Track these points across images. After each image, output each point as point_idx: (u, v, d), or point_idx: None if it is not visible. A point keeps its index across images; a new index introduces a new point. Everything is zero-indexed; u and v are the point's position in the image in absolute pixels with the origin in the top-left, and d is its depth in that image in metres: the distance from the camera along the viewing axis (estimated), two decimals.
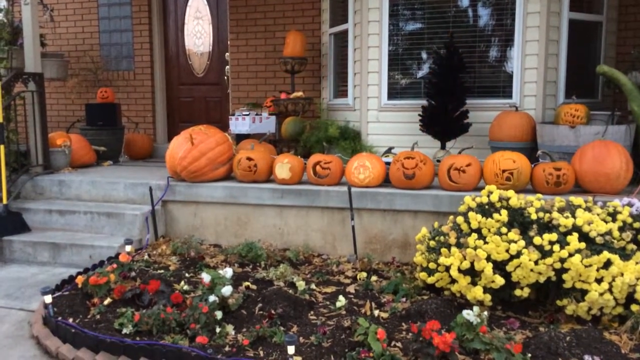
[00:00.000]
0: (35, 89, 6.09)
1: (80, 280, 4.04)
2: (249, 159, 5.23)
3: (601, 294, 3.34)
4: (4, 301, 4.23)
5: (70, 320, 3.57)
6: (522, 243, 3.50)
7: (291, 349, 2.90)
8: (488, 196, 3.85)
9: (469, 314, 3.16)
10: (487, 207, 3.83)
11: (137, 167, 6.99)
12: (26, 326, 3.79)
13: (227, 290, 3.60)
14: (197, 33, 8.46)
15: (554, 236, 3.46)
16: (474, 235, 3.66)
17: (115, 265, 4.19)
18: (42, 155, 6.15)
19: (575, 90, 5.66)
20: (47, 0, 8.41)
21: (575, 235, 3.45)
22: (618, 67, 5.65)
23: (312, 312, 3.71)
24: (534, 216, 3.64)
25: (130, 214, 5.27)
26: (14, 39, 6.53)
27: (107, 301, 3.80)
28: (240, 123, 6.57)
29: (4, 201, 5.34)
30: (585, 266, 3.37)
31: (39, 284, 4.50)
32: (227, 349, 3.19)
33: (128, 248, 4.49)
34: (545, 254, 3.46)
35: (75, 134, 7.09)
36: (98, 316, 3.63)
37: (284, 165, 5.11)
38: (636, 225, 3.63)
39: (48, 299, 3.60)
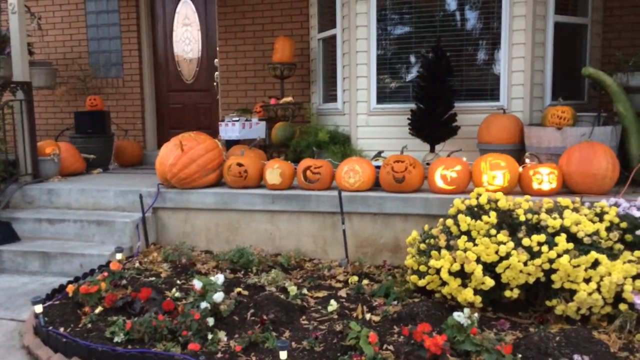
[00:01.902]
0: (24, 97, 6.07)
1: (71, 289, 4.02)
2: (240, 164, 5.24)
3: (590, 294, 3.38)
4: None
5: (62, 329, 3.55)
6: (511, 244, 3.53)
7: (283, 354, 2.91)
8: (477, 198, 3.88)
9: (459, 316, 3.19)
10: (476, 209, 3.86)
11: (127, 175, 6.97)
12: (17, 336, 3.76)
13: (218, 296, 3.60)
14: (186, 39, 8.47)
15: (542, 237, 3.49)
16: (464, 238, 3.68)
17: (106, 274, 4.18)
18: (31, 164, 6.13)
19: (561, 92, 5.72)
20: (35, 8, 8.41)
21: (564, 236, 3.49)
22: (603, 69, 5.71)
23: (304, 317, 3.72)
24: (522, 218, 3.67)
25: (120, 222, 5.25)
26: (2, 48, 6.52)
27: (98, 310, 3.78)
28: (230, 129, 6.57)
29: None
30: (574, 266, 3.41)
31: (30, 294, 4.47)
32: (219, 355, 3.19)
33: (119, 256, 4.48)
34: (534, 255, 3.49)
35: (65, 142, 7.06)
36: (89, 325, 3.62)
37: (275, 171, 5.12)
38: (623, 225, 3.67)
39: (39, 308, 3.59)
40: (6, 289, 4.70)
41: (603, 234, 3.56)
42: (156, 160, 5.43)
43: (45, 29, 8.61)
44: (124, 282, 4.21)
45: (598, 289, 3.39)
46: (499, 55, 5.88)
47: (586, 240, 3.51)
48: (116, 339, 3.36)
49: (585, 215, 3.73)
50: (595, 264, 3.42)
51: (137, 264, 4.82)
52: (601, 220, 3.71)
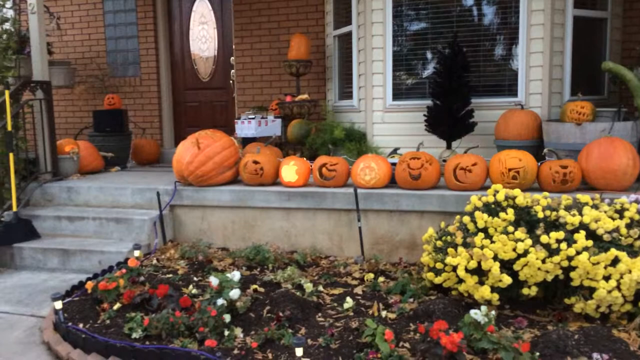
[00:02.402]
0: (43, 96, 6.15)
1: (89, 285, 4.08)
2: (255, 162, 5.25)
3: (609, 292, 3.33)
4: (15, 307, 4.28)
5: (81, 325, 3.60)
6: (529, 242, 3.49)
7: (299, 351, 2.91)
8: (494, 195, 3.84)
9: (476, 314, 3.16)
10: (493, 206, 3.82)
11: (144, 173, 7.03)
12: (37, 332, 3.83)
13: (235, 293, 3.61)
14: (202, 38, 8.51)
15: (561, 234, 3.45)
16: (481, 235, 3.65)
17: (124, 270, 4.23)
18: (51, 162, 6.21)
19: (580, 88, 5.65)
20: (54, 8, 8.51)
21: (583, 233, 3.44)
22: (623, 63, 5.63)
23: (319, 314, 3.72)
24: (540, 214, 3.63)
25: (138, 219, 5.31)
26: (21, 48, 6.60)
27: (116, 306, 3.83)
28: (246, 127, 6.59)
29: (14, 208, 5.40)
30: (593, 264, 3.36)
31: (49, 290, 4.54)
32: (235, 351, 3.21)
33: (137, 253, 4.53)
34: (552, 252, 3.45)
35: (83, 140, 7.15)
36: (108, 321, 3.66)
37: (290, 168, 5.13)
38: None
39: (58, 304, 3.64)
40: (27, 286, 4.77)
41: (623, 230, 3.51)
42: (173, 158, 5.47)
43: (64, 28, 8.71)
44: (142, 278, 4.25)
45: (618, 287, 3.35)
46: (516, 51, 5.82)
47: (606, 237, 3.46)
48: (134, 335, 3.40)
49: (605, 212, 3.68)
50: (615, 261, 3.37)
51: (154, 261, 4.87)
52: (621, 217, 3.65)
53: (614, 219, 3.62)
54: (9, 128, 5.45)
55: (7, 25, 6.70)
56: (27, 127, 6.25)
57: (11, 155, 5.40)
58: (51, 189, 5.98)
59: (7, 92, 5.48)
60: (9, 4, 6.86)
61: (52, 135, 6.22)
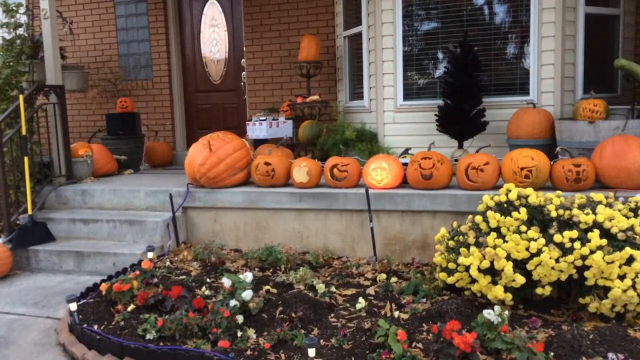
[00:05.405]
0: (57, 101, 6.21)
1: (104, 287, 4.12)
2: (267, 163, 5.27)
3: (624, 291, 3.30)
4: (32, 309, 4.33)
5: (95, 327, 3.64)
6: (542, 241, 3.47)
7: (312, 352, 2.92)
8: (506, 194, 3.82)
9: (489, 314, 3.14)
10: (505, 205, 3.80)
11: (157, 175, 7.08)
12: (53, 334, 3.87)
13: (247, 294, 3.63)
14: (213, 40, 8.55)
15: (574, 233, 3.42)
16: (493, 234, 3.64)
17: (137, 272, 4.26)
18: (65, 165, 6.27)
19: (593, 85, 5.60)
20: (66, 13, 8.60)
21: (597, 231, 3.41)
22: (637, 60, 5.57)
23: (332, 315, 3.72)
24: (553, 213, 3.61)
25: (151, 221, 5.34)
26: (35, 53, 6.68)
27: (130, 307, 3.86)
28: (257, 128, 6.61)
29: (29, 212, 5.46)
30: (607, 263, 3.33)
31: (65, 292, 4.58)
32: (248, 352, 3.22)
33: (150, 255, 4.56)
34: (566, 251, 3.43)
35: (97, 143, 7.22)
36: (122, 322, 3.69)
37: (302, 169, 5.14)
38: None
39: (73, 306, 3.68)
40: (42, 288, 4.83)
41: (638, 229, 3.47)
42: (185, 161, 5.50)
43: (77, 33, 8.80)
44: (155, 280, 4.28)
45: (633, 286, 3.32)
46: (528, 49, 5.79)
47: (620, 236, 3.43)
48: (148, 336, 3.43)
49: (619, 210, 3.65)
50: (630, 260, 3.34)
51: (167, 263, 4.90)
52: (636, 216, 3.62)
53: (628, 218, 3.59)
54: (24, 132, 5.52)
55: (20, 31, 6.79)
56: (41, 131, 6.32)
57: (26, 159, 5.46)
58: (66, 192, 6.04)
59: (21, 97, 5.54)
60: (22, 10, 6.95)
61: (66, 138, 6.28)
